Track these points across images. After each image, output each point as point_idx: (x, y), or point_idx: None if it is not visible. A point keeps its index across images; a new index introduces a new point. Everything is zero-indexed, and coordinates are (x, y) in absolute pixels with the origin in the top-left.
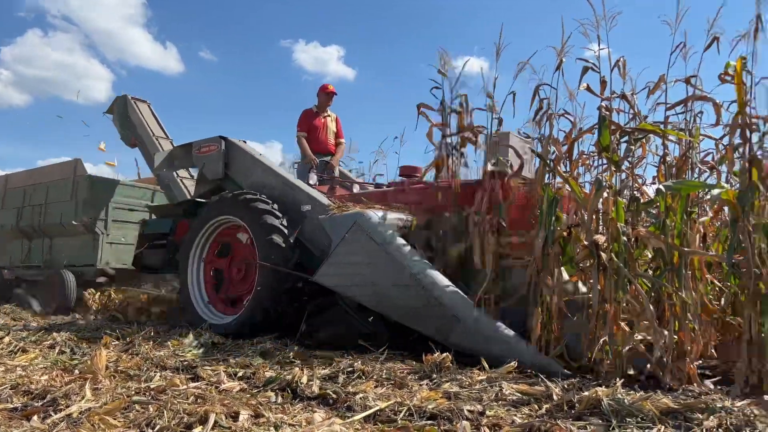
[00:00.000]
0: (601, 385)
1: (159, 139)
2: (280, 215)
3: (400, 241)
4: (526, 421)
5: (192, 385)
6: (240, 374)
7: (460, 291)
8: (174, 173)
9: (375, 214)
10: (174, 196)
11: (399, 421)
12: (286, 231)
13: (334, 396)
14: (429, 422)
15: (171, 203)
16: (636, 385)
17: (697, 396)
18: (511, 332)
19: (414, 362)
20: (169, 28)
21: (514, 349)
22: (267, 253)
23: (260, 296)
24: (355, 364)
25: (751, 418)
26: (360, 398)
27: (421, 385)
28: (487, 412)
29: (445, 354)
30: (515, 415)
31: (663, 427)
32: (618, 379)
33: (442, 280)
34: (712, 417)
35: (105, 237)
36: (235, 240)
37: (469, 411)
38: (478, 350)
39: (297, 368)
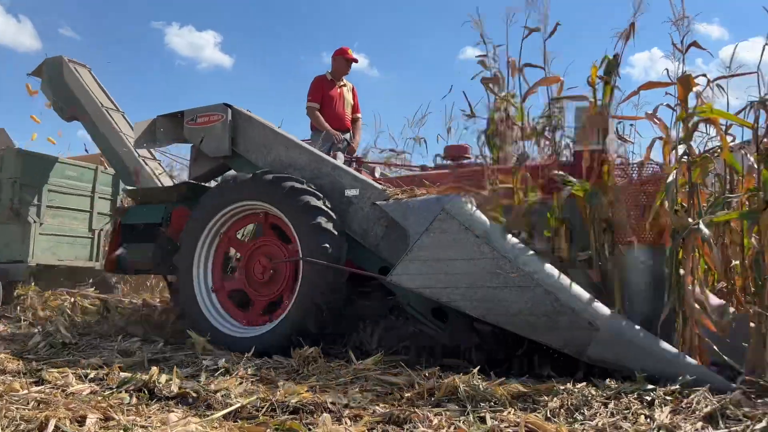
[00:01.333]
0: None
1: (110, 111)
2: (324, 199)
3: (504, 232)
4: (387, 410)
5: (34, 389)
6: (91, 376)
7: (588, 294)
8: (135, 152)
9: (465, 198)
10: (130, 179)
11: (260, 417)
12: (335, 217)
13: (194, 395)
14: (291, 416)
15: (159, 187)
16: None
17: (545, 381)
18: (666, 344)
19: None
20: (23, 0)
21: (675, 363)
22: (314, 246)
23: (309, 300)
24: (219, 361)
25: (588, 398)
26: (221, 396)
27: (287, 380)
28: (351, 404)
29: (313, 348)
30: (377, 405)
31: (513, 408)
32: None
33: (566, 280)
34: (555, 398)
35: (38, 227)
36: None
37: (332, 403)
38: (627, 365)
39: (155, 367)
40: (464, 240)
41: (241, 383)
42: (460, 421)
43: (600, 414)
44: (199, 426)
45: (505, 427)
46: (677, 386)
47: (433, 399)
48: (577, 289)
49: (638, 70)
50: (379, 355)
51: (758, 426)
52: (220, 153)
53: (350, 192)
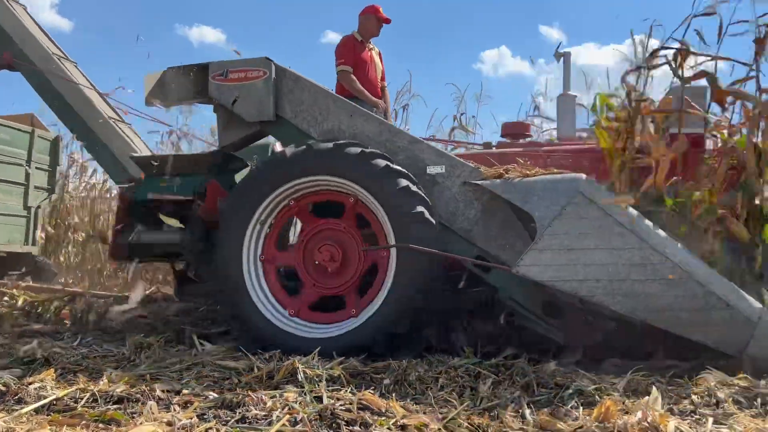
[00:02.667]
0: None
1: (62, 60)
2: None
3: (644, 218)
4: (219, 395)
5: None
6: None
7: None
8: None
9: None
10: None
11: (78, 409)
12: (428, 200)
13: (2, 389)
14: (115, 406)
15: (187, 155)
16: None
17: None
18: None
19: None
20: None
21: None
22: (409, 231)
23: (405, 293)
24: (38, 351)
25: (422, 374)
26: (35, 389)
27: (115, 369)
28: (184, 390)
29: (151, 337)
30: (212, 391)
31: (351, 387)
32: None
33: (713, 271)
34: (390, 375)
35: None
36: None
37: (162, 391)
38: None
39: None
40: (605, 228)
41: (61, 374)
42: (296, 402)
43: (431, 388)
44: (3, 422)
45: (341, 405)
46: (500, 359)
47: (272, 382)
48: (727, 282)
49: (487, 66)
50: (226, 346)
51: (566, 392)
52: (261, 117)
53: (434, 169)
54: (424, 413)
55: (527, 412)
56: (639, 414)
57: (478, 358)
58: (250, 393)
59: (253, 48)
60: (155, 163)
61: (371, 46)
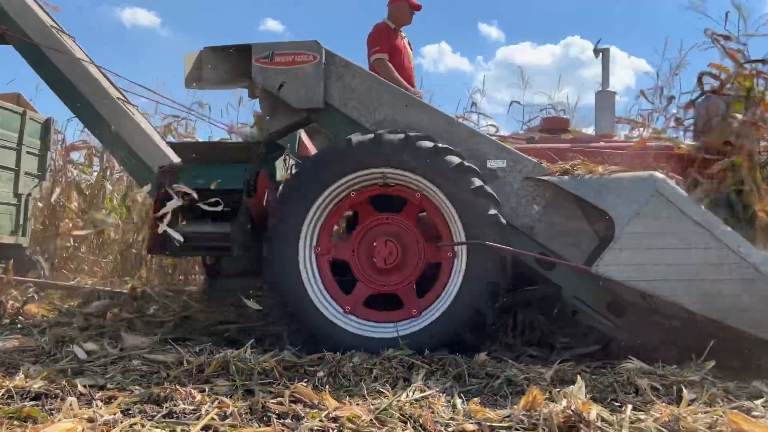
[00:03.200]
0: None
1: (61, 33)
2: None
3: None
4: (146, 390)
5: None
6: None
7: None
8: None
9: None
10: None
11: None
12: (499, 201)
13: None
14: (32, 403)
15: (232, 142)
16: None
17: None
18: None
19: None
20: None
21: None
22: (483, 233)
23: (476, 295)
24: None
25: (356, 366)
26: None
27: (35, 364)
28: (108, 385)
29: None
30: (138, 386)
31: (284, 379)
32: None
33: None
34: (324, 368)
35: None
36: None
37: (84, 386)
38: None
39: None
40: (682, 227)
41: None
42: (227, 395)
43: (365, 380)
44: None
45: (272, 398)
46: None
47: (202, 375)
48: None
49: (428, 61)
50: (155, 338)
51: (497, 382)
52: (310, 104)
53: (494, 163)
54: (357, 405)
55: (458, 401)
56: (564, 402)
57: (412, 351)
58: (178, 387)
59: (188, 33)
60: (196, 150)
61: (403, 35)
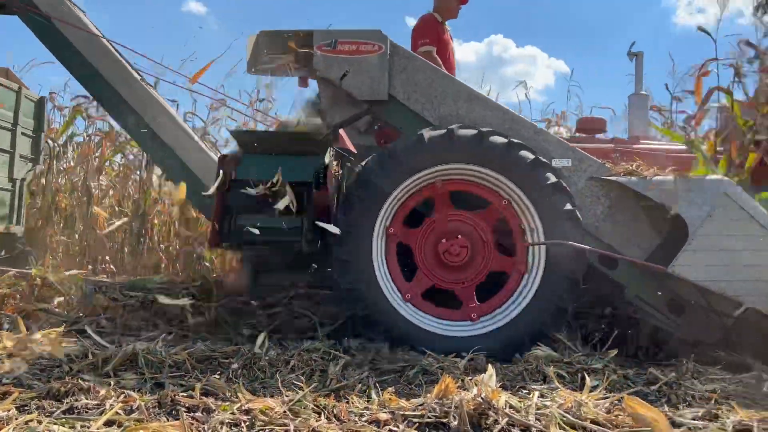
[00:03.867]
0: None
1: (72, 6)
2: None
3: None
4: (45, 384)
5: None
6: None
7: None
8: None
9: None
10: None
11: None
12: (572, 194)
13: None
14: None
15: (301, 131)
16: None
17: (236, 344)
18: None
19: None
20: None
21: None
22: (562, 229)
23: (555, 298)
24: None
25: (274, 358)
26: None
27: None
28: (3, 380)
29: None
30: (37, 380)
31: (197, 372)
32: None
33: None
34: (239, 360)
35: None
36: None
37: None
38: None
39: None
40: (750, 230)
41: None
42: (134, 389)
43: (281, 371)
44: None
45: (182, 391)
46: (358, 343)
47: (108, 368)
48: None
49: None
50: (59, 329)
51: (411, 372)
52: (373, 96)
53: (560, 162)
54: (272, 396)
55: (374, 391)
56: (475, 390)
57: (333, 341)
58: (80, 381)
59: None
60: (260, 140)
61: (448, 28)
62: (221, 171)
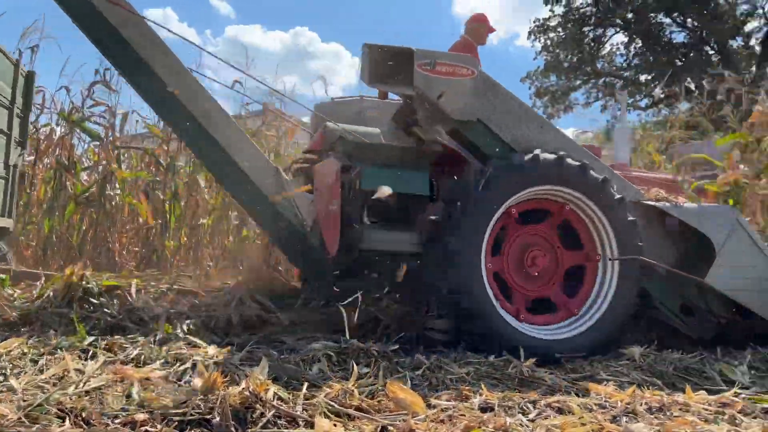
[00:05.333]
0: None
1: None
2: None
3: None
4: None
5: None
6: None
7: None
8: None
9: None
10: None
11: None
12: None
13: None
14: None
15: (411, 146)
16: None
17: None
18: None
19: None
20: None
21: None
22: (631, 247)
23: (621, 303)
24: None
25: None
26: None
27: None
28: None
29: None
30: None
31: None
32: None
33: None
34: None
35: None
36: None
37: None
38: None
39: None
40: (751, 250)
41: None
42: None
43: (26, 372)
44: None
45: None
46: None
47: None
48: None
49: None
50: None
51: (182, 367)
52: (464, 116)
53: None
54: (10, 402)
55: (134, 390)
56: (243, 383)
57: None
58: None
59: None
60: (377, 152)
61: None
62: (343, 182)
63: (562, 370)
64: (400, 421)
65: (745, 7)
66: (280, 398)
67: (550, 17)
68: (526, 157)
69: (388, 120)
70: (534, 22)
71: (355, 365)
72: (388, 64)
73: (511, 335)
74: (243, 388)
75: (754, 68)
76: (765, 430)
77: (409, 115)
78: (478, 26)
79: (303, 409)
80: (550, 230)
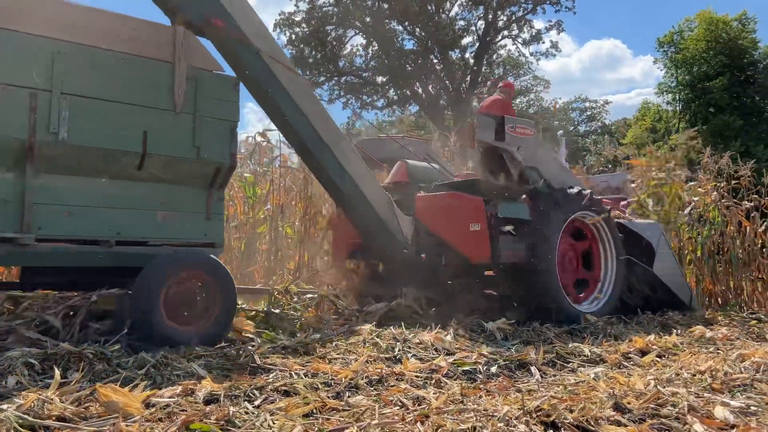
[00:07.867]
0: None
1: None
2: None
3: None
4: None
5: None
6: None
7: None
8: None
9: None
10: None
11: None
12: None
13: None
14: None
15: (518, 186)
16: None
17: None
18: None
19: None
20: None
21: None
22: (620, 241)
23: (619, 287)
24: None
25: None
26: None
27: None
28: None
29: None
30: None
31: None
32: None
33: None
34: None
35: None
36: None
37: None
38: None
39: None
40: (667, 251)
41: None
42: None
43: None
44: None
45: None
46: None
47: None
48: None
49: None
50: None
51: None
52: (530, 163)
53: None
54: None
55: None
56: None
57: None
58: None
59: None
60: (498, 189)
61: None
62: (487, 211)
63: (295, 354)
64: (109, 426)
65: (461, 23)
66: None
67: (295, 11)
68: (572, 191)
69: (417, 151)
70: (280, 14)
71: (58, 371)
72: (491, 126)
73: (570, 310)
74: None
75: (468, 78)
76: (462, 389)
77: (494, 160)
78: (508, 91)
79: None
80: (587, 241)
